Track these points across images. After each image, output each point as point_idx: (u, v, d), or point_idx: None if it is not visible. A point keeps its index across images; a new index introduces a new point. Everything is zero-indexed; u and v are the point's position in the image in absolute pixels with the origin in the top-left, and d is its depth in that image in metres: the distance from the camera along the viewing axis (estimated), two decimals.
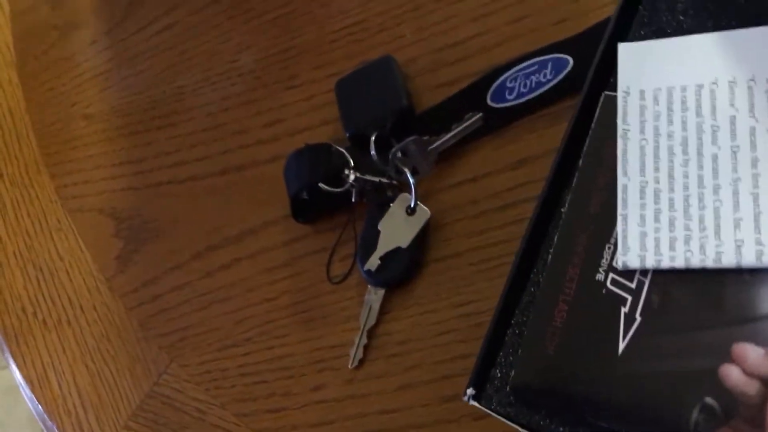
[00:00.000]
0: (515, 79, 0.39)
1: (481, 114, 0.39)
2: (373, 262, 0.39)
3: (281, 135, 0.45)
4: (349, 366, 0.39)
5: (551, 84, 0.38)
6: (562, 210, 0.26)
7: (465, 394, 0.24)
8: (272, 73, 0.47)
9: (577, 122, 0.27)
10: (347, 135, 0.40)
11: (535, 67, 0.38)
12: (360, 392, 0.39)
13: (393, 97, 0.40)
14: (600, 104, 0.27)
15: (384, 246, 0.39)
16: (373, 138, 0.39)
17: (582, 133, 0.27)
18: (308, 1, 0.47)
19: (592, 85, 0.27)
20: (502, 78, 0.39)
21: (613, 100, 0.27)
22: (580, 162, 0.26)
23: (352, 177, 0.39)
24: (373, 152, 0.39)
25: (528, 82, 0.38)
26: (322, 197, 0.40)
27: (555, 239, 0.25)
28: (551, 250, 0.25)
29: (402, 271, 0.38)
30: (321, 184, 0.39)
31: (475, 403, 0.24)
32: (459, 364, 0.37)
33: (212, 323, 0.44)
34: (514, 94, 0.39)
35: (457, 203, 0.39)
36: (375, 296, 0.39)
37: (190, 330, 0.44)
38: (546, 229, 0.26)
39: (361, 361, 0.39)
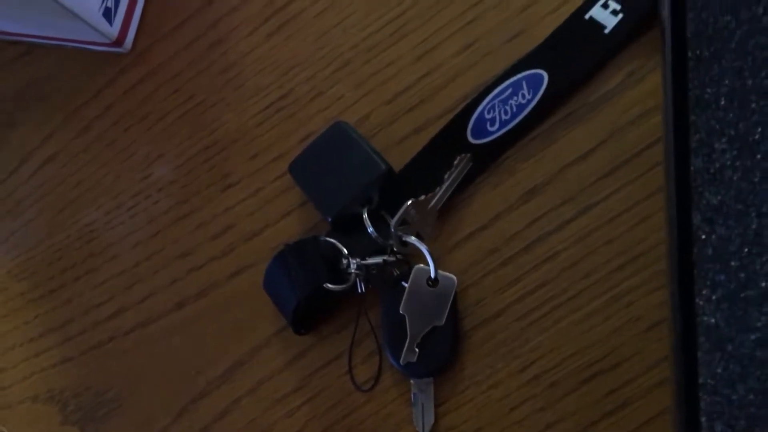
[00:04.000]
0: (492, 108, 0.34)
1: (469, 155, 0.34)
2: (410, 354, 0.32)
3: (236, 243, 0.38)
4: None
5: (533, 103, 0.34)
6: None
7: None
8: (201, 177, 0.39)
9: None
10: (329, 220, 0.34)
11: (510, 90, 0.34)
12: None
13: (367, 164, 0.34)
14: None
15: (417, 330, 0.32)
16: (365, 215, 0.33)
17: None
18: (215, 89, 0.40)
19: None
20: (478, 111, 0.34)
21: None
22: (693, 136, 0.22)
23: (353, 266, 0.33)
24: (371, 230, 0.33)
25: (507, 108, 0.34)
26: (325, 299, 0.33)
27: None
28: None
29: (448, 353, 0.32)
30: (327, 285, 0.32)
31: None
32: None
33: None
34: (497, 124, 0.34)
35: (475, 258, 0.34)
36: (424, 390, 0.32)
37: None
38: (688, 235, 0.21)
39: None
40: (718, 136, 0.21)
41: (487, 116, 0.34)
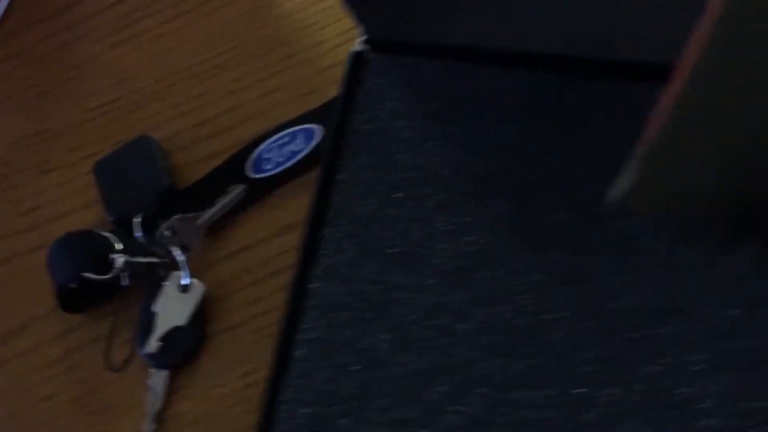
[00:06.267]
0: (270, 150, 0.40)
1: (243, 186, 0.39)
2: (153, 345, 0.37)
3: (41, 223, 0.42)
4: None
5: (304, 152, 0.39)
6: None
7: None
8: (25, 158, 0.43)
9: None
10: (110, 219, 0.39)
11: (287, 138, 0.39)
12: None
13: (154, 178, 0.39)
14: None
15: (162, 327, 0.37)
16: (137, 219, 0.38)
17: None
18: (61, 81, 0.45)
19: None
20: (258, 150, 0.40)
21: None
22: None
23: (120, 261, 0.38)
24: (138, 234, 0.38)
25: (283, 153, 0.39)
26: (92, 285, 0.38)
27: None
28: None
29: (184, 351, 0.37)
30: (86, 274, 0.37)
31: None
32: None
33: None
34: (272, 164, 0.39)
35: (232, 274, 0.39)
36: (158, 379, 0.38)
37: None
38: None
39: None
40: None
41: (266, 156, 0.40)
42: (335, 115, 0.28)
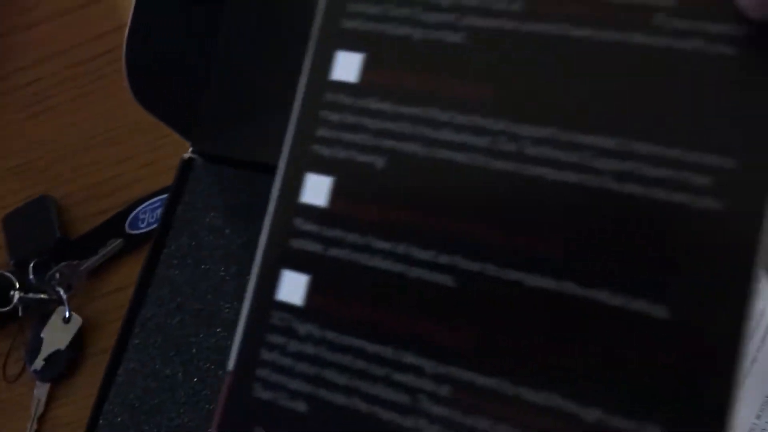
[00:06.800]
0: (145, 212, 0.50)
1: (121, 240, 0.50)
2: (39, 363, 0.48)
3: None
4: None
5: None
6: None
7: None
8: None
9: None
10: (12, 262, 0.49)
11: (158, 203, 0.50)
12: None
13: (48, 231, 0.49)
14: None
15: (47, 349, 0.48)
16: (31, 264, 0.49)
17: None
18: None
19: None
20: (135, 211, 0.50)
21: None
22: None
23: (17, 296, 0.48)
24: (31, 276, 0.48)
25: (154, 215, 0.50)
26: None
27: None
28: None
29: (62, 368, 0.48)
30: None
31: None
32: None
33: None
34: (145, 223, 0.50)
35: (108, 309, 0.50)
36: (42, 389, 0.48)
37: None
38: None
39: None
40: None
41: (141, 217, 0.50)
42: (165, 206, 0.39)
